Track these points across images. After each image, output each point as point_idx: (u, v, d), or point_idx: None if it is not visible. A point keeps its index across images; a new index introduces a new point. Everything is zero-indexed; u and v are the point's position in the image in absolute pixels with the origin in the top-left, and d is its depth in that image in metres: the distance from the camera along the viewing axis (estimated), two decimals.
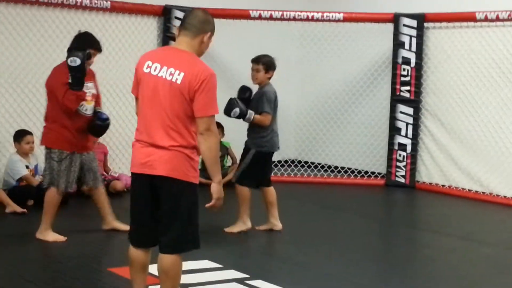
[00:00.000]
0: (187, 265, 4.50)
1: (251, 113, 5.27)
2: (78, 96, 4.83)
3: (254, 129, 5.36)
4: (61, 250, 4.86)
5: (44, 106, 5.37)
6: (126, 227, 4.47)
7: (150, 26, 7.79)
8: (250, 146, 5.42)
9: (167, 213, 3.27)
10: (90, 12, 7.18)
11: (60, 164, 4.91)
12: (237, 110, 5.22)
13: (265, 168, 5.53)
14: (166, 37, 7.77)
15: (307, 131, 8.89)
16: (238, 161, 7.85)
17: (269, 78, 5.36)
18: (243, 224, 5.47)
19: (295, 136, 9.07)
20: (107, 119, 5.12)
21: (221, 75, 8.35)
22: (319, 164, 8.75)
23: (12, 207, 5.91)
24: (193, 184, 3.27)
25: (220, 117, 7.82)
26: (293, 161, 8.85)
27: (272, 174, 8.30)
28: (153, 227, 3.33)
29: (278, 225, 5.56)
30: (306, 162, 8.71)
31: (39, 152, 6.24)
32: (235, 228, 5.46)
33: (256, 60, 5.33)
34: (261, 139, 5.35)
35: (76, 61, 4.67)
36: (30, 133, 6.35)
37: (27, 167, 6.31)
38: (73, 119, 4.90)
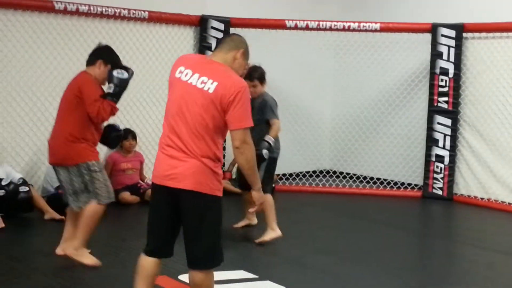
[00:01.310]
0: (222, 275, 4.53)
1: (269, 138, 5.34)
2: (113, 109, 4.65)
3: (262, 135, 5.35)
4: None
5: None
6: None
7: (187, 36, 7.86)
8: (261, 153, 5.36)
9: (192, 228, 3.23)
10: (128, 22, 7.28)
11: (102, 173, 4.64)
12: (265, 151, 5.27)
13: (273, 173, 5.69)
14: (203, 47, 7.83)
15: (343, 141, 8.84)
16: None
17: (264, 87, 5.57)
18: (273, 232, 5.49)
19: (330, 146, 9.03)
20: (120, 129, 5.07)
21: None
22: (355, 174, 8.68)
23: (51, 214, 6.01)
24: (218, 198, 3.25)
25: None
26: (328, 172, 8.80)
27: (307, 184, 8.40)
28: (171, 239, 3.36)
29: (253, 220, 5.95)
30: (341, 173, 8.65)
31: None
32: (266, 237, 5.47)
33: (252, 79, 5.42)
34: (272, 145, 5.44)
35: (124, 74, 4.63)
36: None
37: None
38: (93, 133, 4.64)
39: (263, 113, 5.37)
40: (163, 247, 3.37)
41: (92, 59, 4.73)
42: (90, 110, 4.48)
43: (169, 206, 3.26)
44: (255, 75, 5.44)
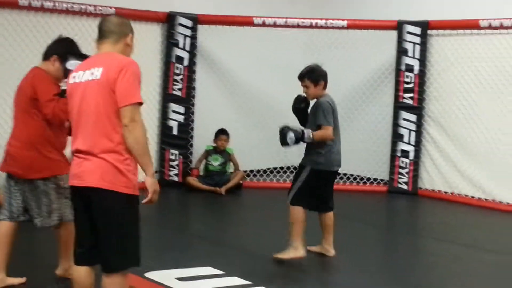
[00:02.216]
0: (189, 271, 4.55)
1: (308, 132, 4.80)
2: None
3: (311, 144, 4.87)
4: None
5: None
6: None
7: (154, 33, 7.82)
8: (304, 163, 4.93)
9: (99, 228, 3.09)
10: (94, 19, 7.20)
11: (65, 190, 3.96)
12: (292, 135, 4.79)
13: (322, 190, 4.96)
14: (170, 44, 7.80)
15: None
16: (240, 168, 7.94)
17: (323, 89, 4.92)
18: (295, 251, 4.83)
19: None
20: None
21: (224, 82, 8.47)
22: None
23: None
24: (124, 194, 3.05)
25: (225, 123, 7.96)
26: (295, 168, 8.83)
27: (274, 180, 8.42)
28: (94, 243, 3.15)
29: (331, 251, 5.08)
30: None
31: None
32: (285, 255, 4.85)
33: (300, 78, 4.94)
34: (317, 155, 4.84)
35: (75, 65, 4.04)
36: None
37: None
38: (58, 135, 4.08)
39: (314, 118, 4.82)
40: (86, 251, 3.20)
41: (47, 54, 4.19)
42: (44, 111, 3.94)
43: (82, 206, 3.15)
44: (306, 74, 4.91)
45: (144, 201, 3.09)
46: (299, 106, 5.07)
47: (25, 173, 4.00)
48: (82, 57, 4.08)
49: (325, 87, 4.93)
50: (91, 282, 3.25)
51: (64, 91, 3.97)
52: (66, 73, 3.95)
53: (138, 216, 3.15)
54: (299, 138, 4.79)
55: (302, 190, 4.85)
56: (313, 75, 4.87)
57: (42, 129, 3.99)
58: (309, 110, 5.06)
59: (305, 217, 4.88)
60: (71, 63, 3.96)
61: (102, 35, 3.23)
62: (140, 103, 3.06)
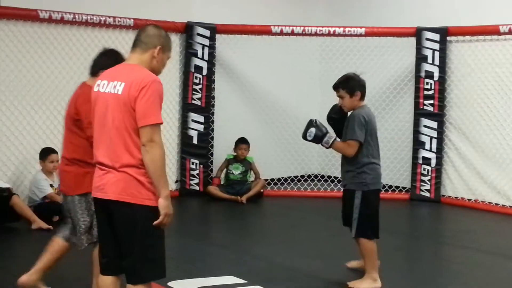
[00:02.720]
0: (211, 281, 4.53)
1: (330, 137, 4.52)
2: None
3: (348, 160, 4.51)
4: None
5: None
6: None
7: (173, 43, 7.78)
8: (351, 187, 4.53)
9: (122, 240, 3.11)
10: (113, 30, 7.27)
11: None
12: (312, 130, 4.51)
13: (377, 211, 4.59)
14: (189, 54, 7.83)
15: None
16: (260, 176, 7.92)
17: (361, 100, 4.57)
18: (373, 281, 4.54)
19: (318, 150, 9.02)
20: None
21: (243, 91, 8.48)
22: None
23: (38, 223, 5.97)
24: (147, 207, 3.05)
25: (245, 132, 7.96)
26: (316, 176, 8.82)
27: (295, 189, 8.41)
28: (117, 253, 3.16)
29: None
30: (329, 177, 8.68)
31: None
32: (362, 284, 4.56)
33: (335, 87, 4.61)
34: (362, 174, 4.46)
35: None
36: (55, 152, 6.39)
37: (51, 185, 6.39)
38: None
39: (346, 130, 4.52)
40: (111, 261, 3.20)
41: (95, 69, 4.02)
42: (88, 134, 3.75)
43: (105, 218, 3.16)
44: (340, 84, 4.57)
45: (155, 222, 3.05)
46: (333, 116, 4.75)
47: (68, 190, 3.97)
48: None
49: (362, 97, 4.58)
50: None
51: None
52: None
53: (162, 228, 3.14)
54: (319, 137, 4.53)
55: (362, 220, 4.49)
56: (348, 85, 4.53)
57: (84, 148, 3.84)
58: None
59: (375, 248, 4.56)
60: None
61: (134, 44, 3.22)
62: (160, 123, 3.04)
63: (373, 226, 4.56)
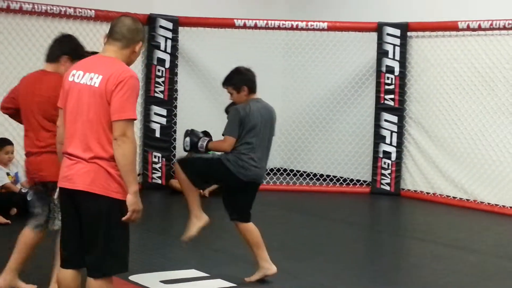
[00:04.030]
0: (174, 274, 4.52)
1: (203, 140, 4.54)
2: None
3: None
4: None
5: None
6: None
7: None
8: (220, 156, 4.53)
9: (86, 231, 3.06)
10: (74, 21, 7.16)
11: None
12: (187, 139, 4.53)
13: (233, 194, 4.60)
14: (151, 46, 7.76)
15: (293, 139, 8.91)
16: None
17: (250, 94, 4.49)
18: (198, 219, 4.66)
19: (280, 144, 9.08)
20: None
21: (206, 84, 8.46)
22: (305, 172, 8.77)
23: None
24: (114, 199, 3.02)
25: (208, 125, 7.93)
26: (278, 169, 8.85)
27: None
28: (80, 246, 3.11)
29: (271, 268, 4.50)
30: (291, 170, 8.73)
31: (18, 159, 6.21)
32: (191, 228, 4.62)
33: (223, 84, 4.59)
34: (227, 162, 4.43)
35: None
36: (10, 143, 6.28)
37: (8, 174, 6.28)
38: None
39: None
40: (72, 253, 3.15)
41: (54, 55, 3.96)
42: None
43: (71, 208, 3.11)
44: (226, 80, 4.54)
45: (123, 218, 3.02)
46: (228, 110, 4.80)
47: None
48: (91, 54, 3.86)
49: (251, 92, 4.49)
50: (77, 285, 3.21)
51: None
52: None
53: (127, 222, 3.11)
54: (195, 143, 4.52)
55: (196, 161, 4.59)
56: (234, 81, 4.47)
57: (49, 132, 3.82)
58: None
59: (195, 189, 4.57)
60: None
61: (112, 36, 3.15)
62: (134, 119, 3.03)
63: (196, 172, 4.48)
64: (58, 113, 3.32)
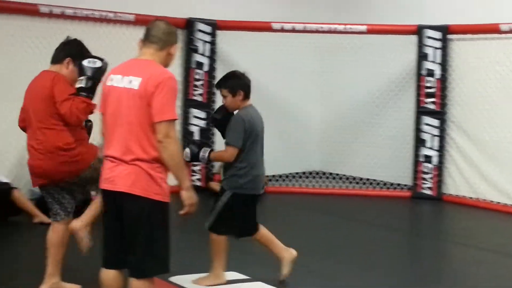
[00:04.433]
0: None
1: (205, 151, 4.36)
2: (89, 105, 3.89)
3: (229, 163, 4.33)
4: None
5: None
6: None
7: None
8: (225, 187, 4.38)
9: (128, 232, 3.11)
10: (114, 25, 7.25)
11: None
12: (187, 150, 4.36)
13: (246, 214, 4.42)
14: (190, 49, 7.81)
15: (331, 142, 8.85)
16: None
17: (245, 100, 4.33)
18: (216, 278, 4.44)
19: (318, 147, 9.04)
20: (90, 120, 4.31)
21: None
22: (344, 175, 8.69)
23: (40, 217, 5.95)
24: (155, 201, 3.07)
25: None
26: (317, 173, 8.81)
27: (296, 185, 8.38)
28: (122, 247, 3.17)
29: (292, 252, 4.53)
30: (330, 174, 8.67)
31: None
32: (205, 281, 4.45)
33: (217, 86, 4.44)
34: (237, 178, 4.28)
35: (96, 63, 3.92)
36: None
37: None
38: (77, 136, 3.99)
39: (228, 133, 4.32)
40: (115, 254, 3.21)
41: (58, 57, 4.07)
42: (61, 111, 3.83)
43: (114, 210, 3.15)
44: (222, 83, 4.38)
45: (181, 212, 3.15)
46: (215, 117, 4.58)
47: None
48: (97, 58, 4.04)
49: (246, 97, 4.33)
50: (120, 285, 3.25)
51: (82, 89, 3.88)
52: (82, 71, 3.91)
53: (168, 223, 3.16)
54: (195, 154, 4.35)
55: (222, 217, 4.35)
56: (230, 84, 4.29)
57: (72, 135, 3.94)
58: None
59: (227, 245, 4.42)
60: (91, 61, 3.92)
61: (148, 39, 3.23)
62: (175, 120, 3.09)
63: (228, 226, 4.38)
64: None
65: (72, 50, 4.06)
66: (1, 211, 5.99)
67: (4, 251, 5.18)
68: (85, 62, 3.91)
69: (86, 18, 6.95)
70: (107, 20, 7.12)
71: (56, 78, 3.93)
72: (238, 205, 4.31)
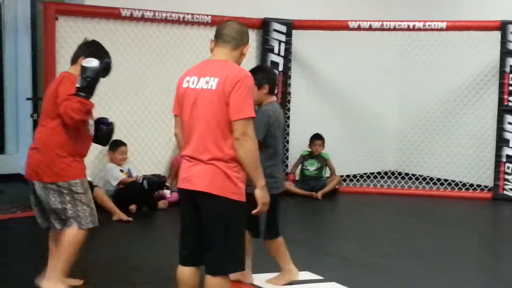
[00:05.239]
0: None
1: None
2: (83, 105, 3.85)
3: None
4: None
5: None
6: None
7: (250, 39, 7.85)
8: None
9: (206, 231, 3.18)
10: (191, 27, 7.39)
11: (86, 195, 4.03)
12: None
13: (277, 215, 4.32)
14: (265, 49, 7.85)
15: (408, 141, 8.68)
16: (336, 173, 7.87)
17: (270, 94, 4.23)
18: (289, 273, 4.43)
19: (395, 147, 8.88)
20: (112, 122, 4.38)
21: (319, 87, 8.43)
22: (421, 176, 8.49)
23: (118, 215, 6.15)
24: (232, 200, 3.13)
25: (321, 128, 7.91)
26: (393, 173, 8.65)
27: (371, 186, 8.28)
28: (199, 245, 3.23)
29: (297, 271, 4.45)
30: (407, 174, 8.50)
31: (131, 159, 6.73)
32: (279, 280, 4.44)
33: None
34: (270, 178, 3.98)
35: (91, 62, 3.89)
36: (124, 144, 6.73)
37: (121, 171, 6.73)
38: (78, 142, 4.01)
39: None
40: (192, 252, 3.28)
41: (74, 57, 4.13)
42: (59, 111, 3.85)
43: (191, 209, 3.22)
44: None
45: (253, 211, 3.18)
46: None
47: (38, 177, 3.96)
48: (105, 58, 4.09)
49: (271, 91, 4.22)
50: (196, 282, 3.32)
51: (78, 89, 3.86)
52: (81, 71, 3.89)
53: (243, 222, 3.22)
54: None
55: (271, 221, 4.27)
56: (257, 76, 4.06)
57: (64, 136, 3.94)
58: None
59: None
60: (87, 61, 3.91)
61: (222, 39, 3.26)
62: (253, 118, 3.12)
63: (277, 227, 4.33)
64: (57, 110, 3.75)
65: (86, 50, 4.08)
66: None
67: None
68: (84, 62, 3.91)
69: (165, 20, 7.11)
70: (185, 22, 7.27)
71: (64, 78, 3.97)
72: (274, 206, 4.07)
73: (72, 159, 3.97)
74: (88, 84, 3.87)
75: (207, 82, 3.14)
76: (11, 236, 5.74)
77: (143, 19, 6.96)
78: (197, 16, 7.31)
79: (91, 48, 4.11)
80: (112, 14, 6.77)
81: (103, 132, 4.25)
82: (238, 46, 3.26)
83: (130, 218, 6.15)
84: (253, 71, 4.18)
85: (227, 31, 3.26)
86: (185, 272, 3.31)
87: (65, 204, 3.94)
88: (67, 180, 3.93)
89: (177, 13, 7.16)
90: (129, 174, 6.77)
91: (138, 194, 6.46)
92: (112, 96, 6.89)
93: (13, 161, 8.03)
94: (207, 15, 7.37)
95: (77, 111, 3.81)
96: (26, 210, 6.32)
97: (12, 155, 8.17)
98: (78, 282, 4.24)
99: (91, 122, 4.14)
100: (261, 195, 3.17)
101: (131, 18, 6.88)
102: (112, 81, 6.82)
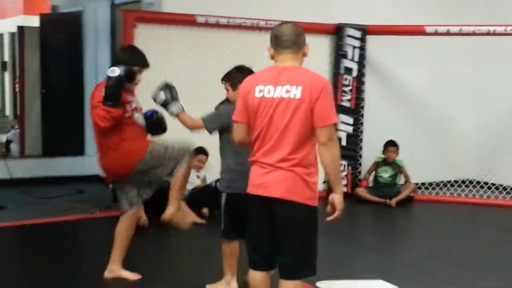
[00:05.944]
0: (361, 284, 4.46)
1: (178, 108, 4.27)
2: (108, 113, 4.06)
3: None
4: None
5: None
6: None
7: (323, 45, 7.86)
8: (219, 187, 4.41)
9: (282, 237, 3.19)
10: (265, 33, 7.36)
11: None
12: (161, 93, 4.27)
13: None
14: (338, 55, 7.80)
15: (488, 149, 8.39)
16: (410, 180, 7.71)
17: None
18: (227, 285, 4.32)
19: (473, 154, 8.61)
20: (152, 114, 4.50)
21: (393, 93, 8.29)
22: (501, 185, 8.18)
23: (193, 218, 6.23)
24: (309, 206, 3.16)
25: (395, 135, 7.77)
26: (471, 181, 8.39)
27: (448, 194, 8.04)
28: (271, 250, 3.26)
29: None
30: (486, 183, 8.21)
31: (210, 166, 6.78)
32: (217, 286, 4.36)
33: (222, 79, 4.39)
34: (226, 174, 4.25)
35: (114, 72, 4.05)
36: (205, 153, 6.73)
37: (197, 177, 6.84)
38: (124, 135, 4.24)
39: None
40: (265, 257, 3.29)
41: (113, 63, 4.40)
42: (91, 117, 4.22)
43: (264, 215, 3.23)
44: (224, 77, 4.36)
45: (330, 218, 3.19)
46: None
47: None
48: (131, 64, 4.18)
49: None
50: (268, 286, 3.34)
51: (104, 97, 4.03)
52: (107, 79, 4.05)
53: (317, 228, 3.24)
54: (165, 103, 4.25)
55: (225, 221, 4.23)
56: (230, 78, 4.27)
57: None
58: None
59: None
60: (111, 70, 4.06)
61: (282, 45, 3.24)
62: (336, 123, 3.18)
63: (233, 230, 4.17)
64: None
65: (121, 57, 4.30)
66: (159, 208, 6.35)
67: (160, 246, 5.50)
68: (108, 71, 4.09)
69: (239, 27, 7.18)
70: (259, 28, 7.30)
71: (100, 85, 4.19)
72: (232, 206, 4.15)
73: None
74: (111, 93, 4.04)
75: (287, 91, 3.13)
76: (90, 236, 5.93)
77: (217, 25, 7.05)
78: (270, 22, 7.34)
79: (125, 54, 4.33)
80: (188, 21, 6.90)
81: (152, 122, 4.46)
82: (300, 49, 3.26)
83: (203, 221, 6.23)
84: (230, 72, 4.33)
85: (286, 36, 3.24)
86: (258, 278, 3.33)
87: None
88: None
89: (251, 19, 7.22)
90: (204, 180, 6.88)
91: (211, 197, 6.53)
92: (191, 103, 7.00)
93: (93, 162, 8.28)
94: (280, 21, 7.37)
95: (103, 119, 4.06)
96: (105, 210, 6.54)
97: (92, 157, 8.41)
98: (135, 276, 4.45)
99: (137, 115, 4.31)
100: (340, 201, 3.19)
101: (206, 24, 6.99)
102: (190, 87, 6.99)
